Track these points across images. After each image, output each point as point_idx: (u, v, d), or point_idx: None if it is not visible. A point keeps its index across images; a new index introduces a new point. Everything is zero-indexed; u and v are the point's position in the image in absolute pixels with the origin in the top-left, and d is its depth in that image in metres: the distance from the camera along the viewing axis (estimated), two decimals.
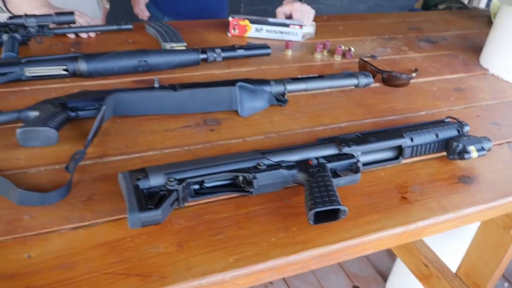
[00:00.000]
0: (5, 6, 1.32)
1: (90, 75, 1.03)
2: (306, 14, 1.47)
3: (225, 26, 1.44)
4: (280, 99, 1.01)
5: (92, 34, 1.28)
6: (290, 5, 1.48)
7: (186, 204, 0.69)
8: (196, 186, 0.70)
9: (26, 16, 1.12)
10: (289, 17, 1.47)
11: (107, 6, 1.74)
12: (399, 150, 0.85)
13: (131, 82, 1.06)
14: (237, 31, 1.40)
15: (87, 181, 0.73)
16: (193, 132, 0.89)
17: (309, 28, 1.43)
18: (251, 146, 0.87)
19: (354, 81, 1.10)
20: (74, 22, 1.17)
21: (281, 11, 1.48)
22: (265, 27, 1.39)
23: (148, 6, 1.99)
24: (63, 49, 1.21)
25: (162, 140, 0.85)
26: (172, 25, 1.37)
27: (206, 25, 1.48)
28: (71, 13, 1.16)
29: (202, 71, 1.14)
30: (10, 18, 1.12)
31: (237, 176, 0.72)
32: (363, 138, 0.83)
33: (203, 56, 1.14)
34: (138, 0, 1.99)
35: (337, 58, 1.32)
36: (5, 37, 1.11)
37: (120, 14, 3.76)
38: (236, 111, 0.96)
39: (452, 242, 1.64)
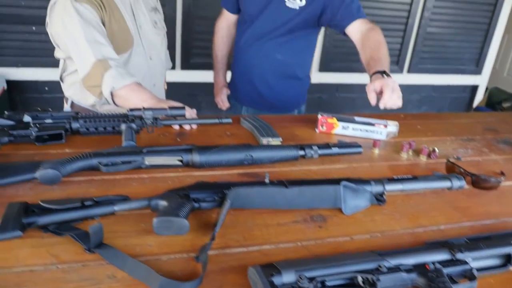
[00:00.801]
0: (112, 99, 1.47)
1: (201, 166, 1.12)
2: (396, 92, 1.39)
3: (313, 122, 1.53)
4: (379, 199, 1.06)
5: (194, 126, 1.40)
6: (380, 81, 1.39)
7: None
8: (319, 285, 0.74)
9: (144, 109, 1.25)
10: (380, 93, 1.39)
11: (165, 86, 1.95)
12: (507, 258, 0.86)
13: (237, 174, 1.14)
14: (325, 128, 1.48)
15: (215, 272, 0.78)
16: (302, 227, 0.94)
17: (393, 127, 1.50)
18: (359, 245, 0.90)
19: (447, 183, 1.14)
20: (184, 116, 1.30)
21: (372, 88, 1.38)
22: (351, 125, 1.47)
23: (228, 97, 2.15)
24: (169, 138, 1.32)
25: (276, 234, 0.90)
26: (264, 119, 1.47)
27: (295, 120, 1.59)
28: (183, 107, 1.29)
29: (300, 166, 1.21)
30: (131, 110, 1.25)
31: (356, 277, 0.75)
32: (474, 244, 0.85)
33: (302, 152, 1.21)
34: (220, 91, 2.15)
35: (423, 158, 1.37)
36: (123, 126, 1.23)
37: (203, 103, 3.99)
38: (340, 209, 1.01)
39: None
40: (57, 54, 1.65)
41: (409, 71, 4.62)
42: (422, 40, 4.49)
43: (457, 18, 4.51)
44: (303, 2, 1.74)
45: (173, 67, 3.61)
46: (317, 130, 1.50)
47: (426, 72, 4.70)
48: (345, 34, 1.76)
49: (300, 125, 1.54)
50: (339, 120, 1.48)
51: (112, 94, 1.45)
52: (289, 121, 1.58)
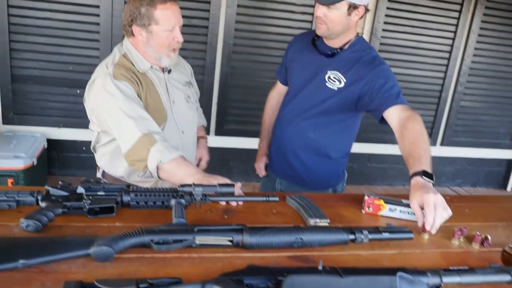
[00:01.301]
0: (157, 173, 1.49)
1: (251, 247, 1.11)
2: (439, 206, 1.28)
3: (358, 202, 1.51)
4: None
5: (241, 202, 1.39)
6: (420, 196, 1.30)
7: None
8: None
9: (195, 185, 1.26)
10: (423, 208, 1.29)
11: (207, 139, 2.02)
12: None
13: (286, 257, 1.12)
14: (371, 209, 1.46)
15: None
16: None
17: None
18: None
19: (507, 277, 1.09)
20: (233, 194, 1.30)
21: (416, 203, 1.30)
22: (399, 208, 1.45)
23: (266, 166, 2.16)
24: (216, 215, 1.32)
25: None
26: (308, 197, 1.46)
27: (340, 199, 1.57)
28: (232, 185, 1.30)
29: (349, 250, 1.18)
30: (181, 186, 1.27)
31: None
32: None
33: (352, 236, 1.18)
34: (260, 158, 2.17)
35: (475, 246, 1.32)
36: (173, 201, 1.24)
37: (234, 169, 4.03)
38: None
39: None
40: (92, 127, 1.71)
41: (442, 143, 4.59)
42: (455, 114, 4.50)
43: (490, 92, 4.53)
44: (342, 84, 1.77)
45: (207, 133, 3.70)
46: (363, 211, 1.47)
47: (460, 145, 4.66)
48: (382, 121, 1.71)
49: (345, 205, 1.52)
50: (386, 202, 1.45)
51: (158, 168, 1.47)
52: (334, 200, 1.57)
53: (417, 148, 1.52)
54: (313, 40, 1.89)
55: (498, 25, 4.29)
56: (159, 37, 1.59)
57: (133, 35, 1.62)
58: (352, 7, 1.70)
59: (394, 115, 1.65)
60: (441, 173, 4.78)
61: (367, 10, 1.77)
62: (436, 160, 4.71)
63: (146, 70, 1.65)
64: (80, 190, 1.24)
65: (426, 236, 1.35)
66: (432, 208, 1.27)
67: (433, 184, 1.39)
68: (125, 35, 1.67)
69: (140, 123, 1.51)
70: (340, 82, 1.77)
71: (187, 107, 1.79)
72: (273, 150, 2.06)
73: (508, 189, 4.98)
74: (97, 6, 3.47)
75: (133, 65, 1.63)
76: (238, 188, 1.43)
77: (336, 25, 1.73)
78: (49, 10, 3.41)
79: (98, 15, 3.49)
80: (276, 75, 2.11)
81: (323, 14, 1.71)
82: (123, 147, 1.54)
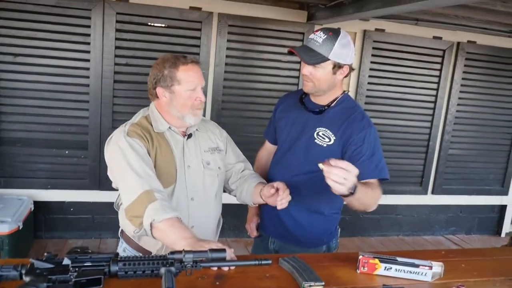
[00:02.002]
0: (151, 231, 1.47)
1: None
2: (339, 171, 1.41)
3: (353, 261, 1.48)
4: None
5: (233, 267, 1.35)
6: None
7: None
8: None
9: (185, 252, 1.23)
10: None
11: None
12: None
13: None
14: (366, 268, 1.43)
15: None
16: None
17: (438, 268, 1.43)
18: None
19: None
20: (225, 259, 1.26)
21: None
22: (394, 266, 1.42)
23: (258, 226, 2.12)
24: (208, 282, 1.28)
25: None
26: (302, 258, 1.43)
27: (334, 259, 1.54)
28: (223, 250, 1.26)
29: None
30: (171, 253, 1.23)
31: None
32: None
33: None
34: (251, 218, 2.13)
35: None
36: (162, 270, 1.20)
37: (226, 225, 3.97)
38: None
39: None
40: (114, 184, 1.70)
41: (433, 192, 4.60)
42: (444, 162, 4.54)
43: (477, 140, 4.61)
44: (331, 141, 1.79)
45: None
46: (358, 271, 1.44)
47: (451, 193, 4.67)
48: None
49: (340, 265, 1.48)
50: (381, 261, 1.42)
51: (152, 226, 1.45)
52: (329, 260, 1.53)
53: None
54: (300, 98, 1.92)
55: (479, 75, 4.43)
56: (182, 97, 1.63)
57: (158, 97, 1.67)
58: (337, 66, 1.75)
59: None
60: (434, 221, 4.76)
61: (352, 69, 1.82)
62: (428, 209, 4.72)
63: (163, 131, 1.67)
64: (66, 261, 1.19)
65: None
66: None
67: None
68: (150, 98, 1.73)
69: (143, 180, 1.52)
70: (329, 139, 1.79)
71: (204, 174, 1.74)
72: (264, 209, 2.03)
73: (503, 235, 4.95)
74: (87, 69, 3.52)
75: (152, 125, 1.67)
76: (230, 253, 1.39)
77: (322, 83, 1.77)
78: (38, 73, 3.46)
79: (87, 77, 3.54)
80: (264, 135, 2.13)
81: (309, 72, 1.76)
82: (124, 202, 1.54)
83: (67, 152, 3.64)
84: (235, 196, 1.93)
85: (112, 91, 3.60)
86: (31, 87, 3.47)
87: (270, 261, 1.33)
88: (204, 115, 3.69)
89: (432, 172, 4.54)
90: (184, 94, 1.63)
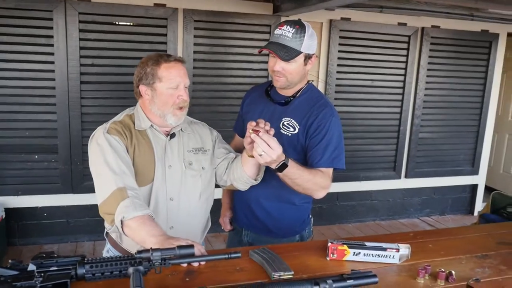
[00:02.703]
0: (122, 228, 1.46)
1: None
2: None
3: (323, 249, 1.50)
4: None
5: (203, 262, 1.36)
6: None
7: None
8: None
9: (152, 250, 1.22)
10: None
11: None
12: None
13: None
14: (335, 255, 1.45)
15: None
16: None
17: (405, 250, 1.46)
18: None
19: None
20: (194, 255, 1.26)
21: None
22: (362, 251, 1.44)
23: (231, 220, 2.13)
24: (178, 278, 1.28)
25: None
26: (272, 249, 1.44)
27: (304, 248, 1.56)
28: (191, 246, 1.26)
29: None
30: (138, 252, 1.22)
31: None
32: None
33: (317, 287, 1.16)
34: (224, 213, 2.14)
35: (441, 282, 1.33)
36: (130, 269, 1.19)
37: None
38: None
39: None
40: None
41: (406, 176, 4.68)
42: (415, 146, 4.62)
43: (446, 122, 4.70)
44: (296, 130, 1.80)
45: None
46: (328, 258, 1.46)
47: (424, 176, 4.77)
48: None
49: (310, 253, 1.50)
50: (349, 247, 1.45)
51: (122, 224, 1.45)
52: (299, 249, 1.55)
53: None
54: (266, 90, 1.92)
55: (445, 59, 4.52)
56: (163, 94, 1.62)
57: (141, 95, 1.67)
58: (307, 57, 1.76)
59: None
60: (409, 204, 4.85)
61: (317, 57, 1.84)
62: (402, 192, 4.80)
63: (145, 129, 1.67)
64: (31, 267, 1.18)
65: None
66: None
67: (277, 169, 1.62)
68: (135, 97, 1.73)
69: (118, 177, 1.51)
70: (294, 128, 1.80)
71: (186, 174, 1.71)
72: (236, 202, 2.04)
73: (475, 213, 5.08)
74: (52, 71, 3.45)
75: (134, 123, 1.67)
76: (200, 248, 1.40)
77: (294, 76, 1.78)
78: (2, 78, 3.38)
79: (53, 79, 3.47)
80: (234, 129, 2.13)
81: (281, 68, 1.75)
82: (98, 199, 1.53)
83: (36, 156, 3.58)
84: (232, 185, 1.85)
85: (80, 93, 3.54)
86: None
87: (239, 254, 1.33)
88: None
89: (404, 156, 4.63)
90: (166, 92, 1.62)
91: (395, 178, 4.63)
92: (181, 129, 1.75)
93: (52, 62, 3.45)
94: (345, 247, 1.45)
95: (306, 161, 1.86)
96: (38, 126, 3.53)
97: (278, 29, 1.76)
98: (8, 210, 3.59)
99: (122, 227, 1.46)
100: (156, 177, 1.64)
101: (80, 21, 3.44)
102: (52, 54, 3.43)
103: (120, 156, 1.57)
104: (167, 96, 1.63)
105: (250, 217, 1.96)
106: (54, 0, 3.34)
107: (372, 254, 1.44)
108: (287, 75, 1.77)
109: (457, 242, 1.70)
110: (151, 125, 1.68)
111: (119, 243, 1.68)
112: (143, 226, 1.44)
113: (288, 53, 1.72)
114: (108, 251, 1.74)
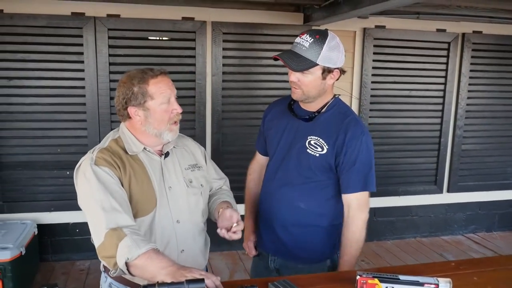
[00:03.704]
0: (128, 270, 1.35)
1: None
2: None
3: (350, 282, 1.36)
4: None
5: None
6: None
7: None
8: None
9: (159, 284, 1.13)
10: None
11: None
12: None
13: None
14: None
15: None
16: None
17: (445, 284, 1.30)
18: None
19: None
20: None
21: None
22: (396, 286, 1.29)
23: (255, 244, 2.00)
24: None
25: None
26: (293, 281, 1.31)
27: (330, 280, 1.42)
28: (202, 280, 1.16)
29: None
30: (144, 286, 1.13)
31: None
32: None
33: None
34: (248, 237, 2.02)
35: None
36: None
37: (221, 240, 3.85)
38: None
39: None
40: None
41: (449, 190, 4.43)
42: (458, 158, 4.38)
43: (491, 133, 4.45)
44: (324, 151, 1.68)
45: None
46: None
47: (467, 190, 4.50)
48: None
49: (336, 285, 1.36)
50: (381, 281, 1.30)
51: (128, 265, 1.34)
52: (324, 282, 1.41)
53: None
54: (289, 104, 1.81)
55: (488, 66, 4.27)
56: (157, 112, 1.52)
57: (129, 117, 1.55)
58: (327, 71, 1.64)
59: (346, 202, 1.74)
60: (452, 220, 4.58)
61: (342, 72, 1.70)
62: (445, 208, 4.55)
63: (137, 153, 1.56)
64: None
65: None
66: None
67: None
68: (120, 120, 1.61)
69: (109, 216, 1.39)
70: (322, 148, 1.68)
71: (188, 193, 1.63)
72: (261, 226, 1.92)
73: None
74: (83, 87, 3.47)
75: (124, 149, 1.55)
76: (215, 280, 1.28)
77: (311, 89, 1.66)
78: (33, 95, 3.43)
79: (83, 96, 3.49)
80: (256, 146, 2.02)
81: (297, 79, 1.66)
82: (95, 242, 1.43)
83: (68, 172, 3.58)
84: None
85: (109, 108, 3.54)
86: (27, 110, 3.44)
87: (256, 286, 1.22)
88: (204, 126, 3.67)
89: (446, 169, 4.38)
90: (159, 109, 1.52)
91: (436, 193, 4.39)
92: (174, 146, 1.65)
93: (83, 79, 3.47)
94: (376, 281, 1.30)
95: (336, 181, 1.73)
96: (69, 143, 3.55)
97: (298, 37, 1.66)
98: (40, 226, 3.61)
99: (128, 268, 1.35)
100: (158, 202, 1.54)
101: (109, 37, 3.45)
102: (83, 70, 3.45)
103: (110, 190, 1.43)
104: (162, 113, 1.53)
105: (276, 242, 1.84)
106: (84, 17, 3.37)
107: None
108: (303, 88, 1.66)
109: (506, 274, 1.51)
110: (144, 148, 1.57)
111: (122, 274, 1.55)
112: (150, 262, 1.33)
113: (301, 64, 1.60)
114: (110, 285, 1.59)
